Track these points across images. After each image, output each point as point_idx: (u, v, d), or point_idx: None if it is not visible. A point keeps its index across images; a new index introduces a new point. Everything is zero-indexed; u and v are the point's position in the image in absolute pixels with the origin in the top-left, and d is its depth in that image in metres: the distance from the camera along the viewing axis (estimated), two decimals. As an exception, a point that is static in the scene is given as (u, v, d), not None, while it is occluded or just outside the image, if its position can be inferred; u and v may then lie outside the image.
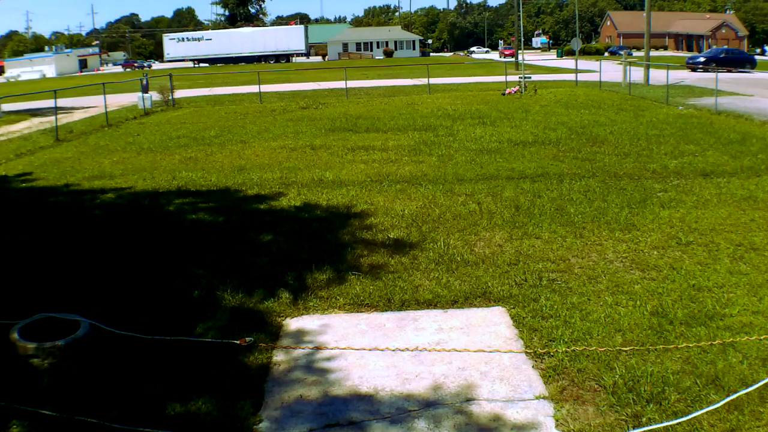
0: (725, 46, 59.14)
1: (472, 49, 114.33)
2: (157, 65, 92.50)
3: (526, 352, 4.72)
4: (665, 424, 3.80)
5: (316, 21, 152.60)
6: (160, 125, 19.55)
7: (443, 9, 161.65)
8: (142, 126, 19.70)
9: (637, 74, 28.59)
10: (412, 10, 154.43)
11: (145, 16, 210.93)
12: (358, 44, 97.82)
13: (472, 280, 6.05)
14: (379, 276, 6.23)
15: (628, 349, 4.67)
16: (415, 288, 5.94)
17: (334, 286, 6.03)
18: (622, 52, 47.02)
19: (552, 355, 4.63)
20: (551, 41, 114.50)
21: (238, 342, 4.87)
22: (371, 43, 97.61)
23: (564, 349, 4.69)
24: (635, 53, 58.14)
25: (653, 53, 51.67)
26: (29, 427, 3.97)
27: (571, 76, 32.11)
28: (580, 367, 4.45)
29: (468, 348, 4.83)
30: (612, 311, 5.29)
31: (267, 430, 3.93)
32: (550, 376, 4.37)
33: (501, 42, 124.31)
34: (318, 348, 4.93)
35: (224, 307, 5.65)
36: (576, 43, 39.51)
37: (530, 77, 27.94)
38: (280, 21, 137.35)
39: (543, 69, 42.63)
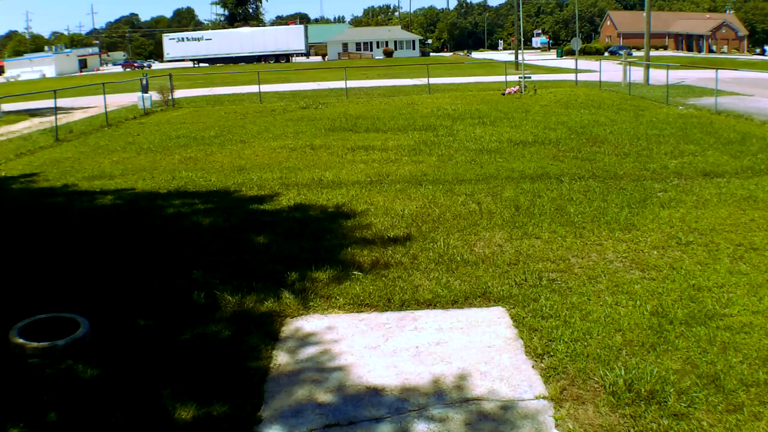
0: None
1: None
2: (156, 65, 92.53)
3: (526, 352, 4.72)
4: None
5: (316, 21, 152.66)
6: (159, 125, 19.55)
7: (443, 9, 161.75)
8: (142, 126, 19.69)
9: (637, 74, 28.59)
10: (412, 10, 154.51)
11: (144, 16, 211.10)
12: (357, 44, 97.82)
13: (472, 280, 6.05)
14: (379, 276, 6.23)
15: (628, 349, 4.67)
16: (415, 288, 5.94)
17: (334, 286, 6.03)
18: (622, 52, 47.07)
19: (552, 355, 4.63)
20: (551, 41, 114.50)
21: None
22: (371, 43, 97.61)
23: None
24: (635, 53, 58.17)
25: (653, 53, 51.67)
26: (25, 428, 3.97)
27: (571, 76, 32.12)
28: (580, 367, 4.45)
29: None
30: (612, 311, 5.29)
31: (267, 430, 3.93)
32: (550, 376, 4.37)
33: (501, 42, 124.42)
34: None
35: (224, 307, 5.65)
36: (576, 43, 39.51)
37: (530, 77, 27.94)
38: (280, 21, 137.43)
39: (543, 69, 42.64)
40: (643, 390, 4.10)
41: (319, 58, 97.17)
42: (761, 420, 3.80)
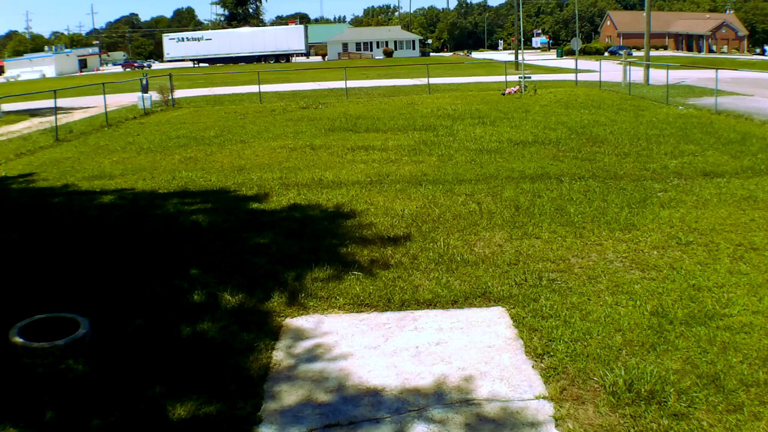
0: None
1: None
2: (156, 65, 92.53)
3: (526, 352, 4.72)
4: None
5: (316, 21, 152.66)
6: (159, 125, 19.55)
7: (443, 9, 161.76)
8: (142, 126, 19.69)
9: (637, 74, 28.59)
10: (412, 10, 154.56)
11: (144, 16, 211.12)
12: (357, 44, 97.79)
13: (472, 280, 6.05)
14: (379, 276, 6.23)
15: (628, 349, 4.67)
16: (415, 288, 5.94)
17: (334, 286, 6.03)
18: (622, 52, 47.08)
19: (552, 355, 4.63)
20: (551, 41, 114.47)
21: None
22: (371, 43, 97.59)
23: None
24: (635, 53, 58.18)
25: (653, 53, 51.67)
26: (24, 428, 3.97)
27: (570, 76, 32.12)
28: (580, 367, 4.45)
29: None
30: (612, 311, 5.29)
31: (267, 430, 3.93)
32: (550, 376, 4.37)
33: (501, 42, 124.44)
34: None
35: (224, 307, 5.65)
36: (576, 43, 39.53)
37: (530, 77, 27.95)
38: (280, 21, 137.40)
39: (543, 69, 42.64)
40: (643, 390, 4.10)
41: (319, 58, 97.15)
42: (761, 420, 3.80)
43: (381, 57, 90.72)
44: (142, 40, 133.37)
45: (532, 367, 4.52)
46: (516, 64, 42.70)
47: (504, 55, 72.96)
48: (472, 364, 4.60)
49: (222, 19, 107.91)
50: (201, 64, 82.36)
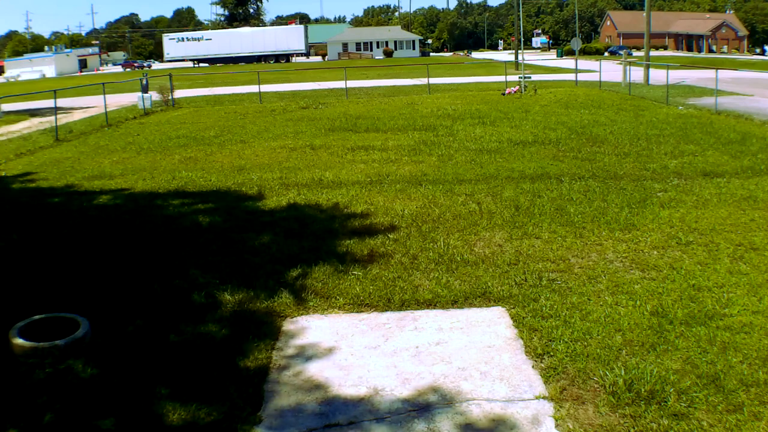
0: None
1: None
2: (156, 65, 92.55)
3: (526, 352, 4.72)
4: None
5: (316, 21, 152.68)
6: (159, 125, 19.55)
7: (443, 9, 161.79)
8: (142, 126, 19.69)
9: (637, 74, 28.59)
10: (412, 10, 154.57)
11: (144, 16, 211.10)
12: (357, 44, 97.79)
13: (472, 280, 6.05)
14: (379, 276, 6.23)
15: (628, 349, 4.67)
16: (415, 288, 5.94)
17: (334, 286, 6.03)
18: (622, 52, 47.09)
19: (552, 355, 4.63)
20: (551, 41, 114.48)
21: None
22: (371, 43, 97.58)
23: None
24: (635, 53, 58.19)
25: (653, 53, 51.69)
26: (25, 429, 3.97)
27: (571, 76, 32.11)
28: (580, 367, 4.45)
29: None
30: (612, 311, 5.29)
31: (267, 430, 3.93)
32: (550, 376, 4.37)
33: (501, 42, 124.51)
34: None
35: (224, 307, 5.65)
36: (576, 43, 39.53)
37: (530, 77, 27.94)
38: (280, 21, 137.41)
39: (543, 69, 42.64)
40: (643, 390, 4.11)
41: (319, 58, 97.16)
42: (761, 420, 3.80)
43: (381, 57, 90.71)
44: (142, 40, 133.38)
45: (532, 367, 4.52)
46: (516, 64, 42.70)
47: (504, 55, 72.93)
48: (472, 364, 4.60)
49: (222, 19, 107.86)
50: (201, 64, 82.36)
